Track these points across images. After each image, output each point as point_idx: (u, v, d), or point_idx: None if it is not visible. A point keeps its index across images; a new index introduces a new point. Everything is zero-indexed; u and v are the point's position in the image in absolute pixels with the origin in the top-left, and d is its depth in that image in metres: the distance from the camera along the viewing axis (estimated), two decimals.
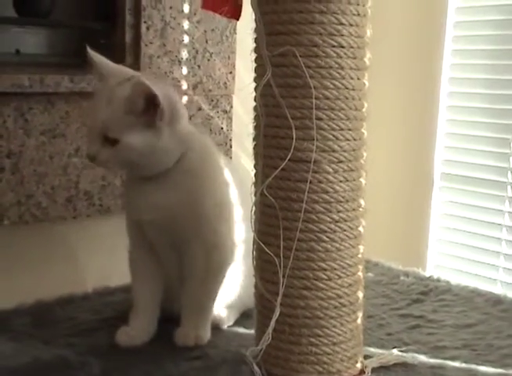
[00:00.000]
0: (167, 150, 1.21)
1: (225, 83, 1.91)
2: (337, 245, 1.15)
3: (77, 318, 1.44)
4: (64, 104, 1.66)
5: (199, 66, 1.86)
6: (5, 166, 1.59)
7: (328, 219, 1.14)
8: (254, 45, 1.18)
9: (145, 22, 1.75)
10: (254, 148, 1.20)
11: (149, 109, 1.17)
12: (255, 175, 1.20)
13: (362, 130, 1.17)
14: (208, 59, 1.87)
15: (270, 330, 1.13)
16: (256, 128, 1.19)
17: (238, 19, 1.15)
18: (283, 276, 1.13)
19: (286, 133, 1.12)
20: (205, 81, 1.87)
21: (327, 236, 1.14)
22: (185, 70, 1.83)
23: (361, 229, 1.19)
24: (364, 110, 1.17)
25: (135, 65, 1.76)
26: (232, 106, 1.91)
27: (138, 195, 1.27)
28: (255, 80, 1.19)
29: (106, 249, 1.76)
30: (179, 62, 1.81)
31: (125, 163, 1.20)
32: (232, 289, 1.40)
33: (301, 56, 1.09)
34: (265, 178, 1.14)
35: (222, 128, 1.89)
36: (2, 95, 1.57)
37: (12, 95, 1.58)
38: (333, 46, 1.10)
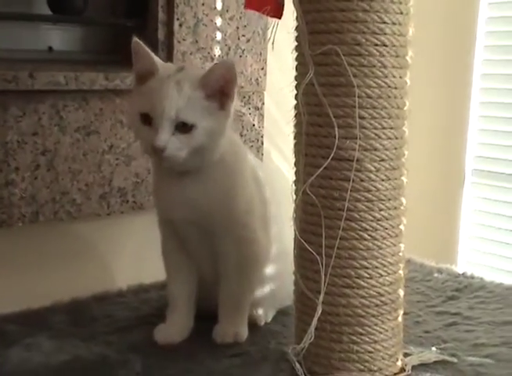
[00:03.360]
0: (226, 137, 1.22)
1: (257, 79, 1.90)
2: (379, 243, 1.15)
3: (114, 315, 1.45)
4: (98, 101, 1.66)
5: None
6: (40, 163, 1.60)
7: (370, 218, 1.14)
8: (295, 43, 1.18)
9: (177, 19, 1.74)
10: (294, 146, 1.21)
11: (225, 89, 1.18)
12: (296, 174, 1.20)
13: (404, 128, 1.17)
14: (240, 56, 1.86)
15: (312, 328, 1.13)
16: (297, 126, 1.19)
17: (280, 18, 1.15)
18: (325, 275, 1.13)
19: (328, 132, 1.12)
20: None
21: (369, 235, 1.14)
22: None
23: (402, 227, 1.19)
24: (406, 108, 1.16)
25: (168, 62, 1.74)
26: (263, 103, 1.91)
27: (169, 191, 1.26)
28: (296, 78, 1.19)
29: (140, 246, 1.77)
30: (212, 58, 1.81)
31: (195, 151, 1.18)
32: (268, 286, 1.40)
33: (343, 55, 1.09)
34: (307, 176, 1.14)
35: (254, 125, 1.89)
36: (38, 92, 1.57)
37: (47, 92, 1.58)
38: (376, 45, 1.10)
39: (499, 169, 2.15)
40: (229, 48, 1.85)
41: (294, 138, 1.20)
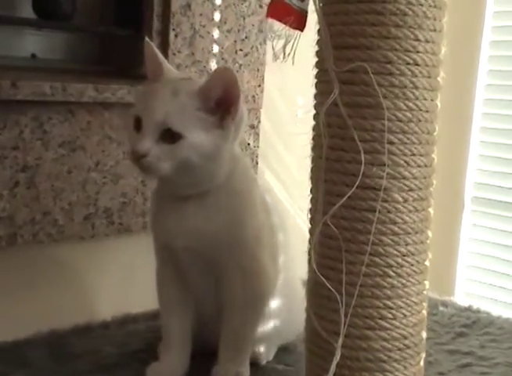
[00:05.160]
0: (225, 160, 1.11)
1: (254, 96, 1.80)
2: (404, 281, 1.05)
3: (99, 351, 1.32)
4: (86, 115, 1.54)
5: None
6: (20, 180, 1.47)
7: (395, 253, 1.03)
8: (316, 58, 1.08)
9: (173, 29, 1.64)
10: (312, 171, 1.10)
11: (224, 104, 1.07)
12: (312, 201, 1.10)
13: (433, 155, 1.07)
14: (237, 71, 1.76)
15: (331, 374, 1.02)
16: (315, 149, 1.08)
17: (302, 30, 1.05)
18: (346, 315, 1.02)
19: (352, 157, 1.01)
20: None
21: (394, 271, 1.04)
22: None
23: (427, 263, 1.09)
24: (435, 133, 1.06)
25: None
26: (259, 121, 1.81)
27: (171, 217, 1.15)
28: (316, 97, 1.09)
29: (126, 272, 1.65)
30: (208, 72, 1.70)
31: (180, 166, 1.06)
32: (271, 321, 1.29)
33: (373, 73, 0.99)
34: (327, 205, 1.04)
35: (249, 144, 1.78)
36: (20, 103, 1.45)
37: (30, 103, 1.46)
38: (408, 64, 1.00)
39: (499, 197, 2.07)
40: (226, 62, 1.74)
41: (312, 162, 1.09)
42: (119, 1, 1.69)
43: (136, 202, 1.64)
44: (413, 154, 1.02)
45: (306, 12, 1.04)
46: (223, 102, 1.07)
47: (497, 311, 1.66)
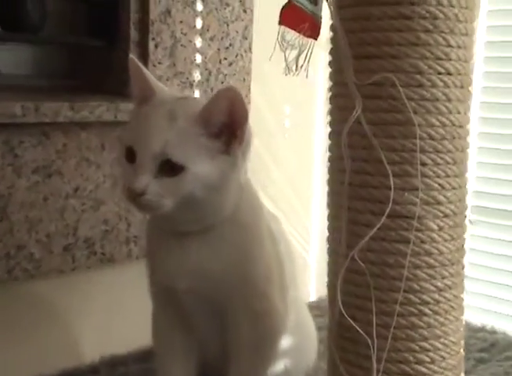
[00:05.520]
0: (233, 190, 0.97)
1: None
2: (441, 319, 0.93)
3: None
4: (62, 136, 1.40)
5: (212, 90, 1.62)
6: None
7: (431, 288, 0.91)
8: (331, 70, 0.95)
9: (153, 39, 1.50)
10: (330, 197, 0.97)
11: (229, 127, 0.93)
12: (332, 231, 0.97)
13: (467, 175, 0.95)
14: (222, 82, 1.64)
15: None
16: (334, 173, 0.96)
17: (316, 39, 0.92)
18: (378, 361, 0.89)
19: (380, 182, 0.89)
20: None
21: (430, 309, 0.92)
22: (197, 94, 1.59)
23: (463, 296, 0.97)
24: (468, 150, 0.95)
25: None
26: None
27: (171, 256, 1.01)
28: (332, 114, 0.96)
29: (112, 306, 1.51)
30: (191, 84, 1.57)
31: (184, 201, 0.92)
32: (282, 363, 1.16)
33: (401, 86, 0.86)
34: (352, 237, 0.91)
35: None
36: None
37: None
38: (440, 73, 0.88)
39: (499, 206, 1.96)
40: (210, 73, 1.61)
41: (330, 187, 0.96)
42: (92, 9, 1.54)
43: (119, 229, 1.50)
44: (448, 176, 0.90)
45: (320, 17, 0.91)
46: (228, 125, 0.93)
47: (499, 324, 1.56)
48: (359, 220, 0.91)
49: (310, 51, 0.92)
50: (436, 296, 0.91)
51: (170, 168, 0.90)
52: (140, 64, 0.98)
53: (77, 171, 1.43)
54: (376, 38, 0.87)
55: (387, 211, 0.87)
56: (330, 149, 0.96)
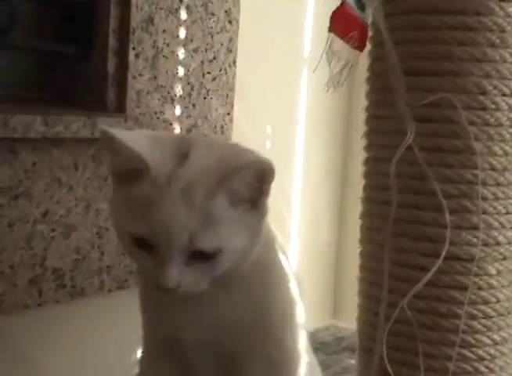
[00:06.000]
0: (262, 239, 0.82)
1: (222, 126, 1.55)
2: None
3: None
4: (31, 154, 1.24)
5: (194, 106, 1.48)
6: None
7: (488, 342, 0.80)
8: (369, 87, 0.83)
9: (133, 48, 1.36)
10: (366, 232, 0.84)
11: (258, 192, 0.78)
12: (368, 272, 0.84)
13: None
14: (205, 97, 1.50)
15: None
16: (373, 206, 0.83)
17: (362, 51, 0.80)
18: None
19: (433, 218, 0.77)
20: (200, 124, 1.50)
21: (485, 366, 0.79)
22: (178, 110, 1.45)
23: None
24: None
25: (119, 103, 1.36)
26: None
27: (178, 306, 0.87)
28: (370, 137, 0.83)
29: (82, 343, 1.34)
30: (172, 99, 1.43)
31: (221, 275, 0.78)
32: None
33: (462, 109, 0.74)
34: (393, 281, 0.78)
35: None
36: None
37: None
38: (505, 95, 0.77)
39: None
40: (192, 88, 1.48)
41: (367, 221, 0.83)
42: (66, 12, 1.39)
43: (91, 258, 1.35)
44: (508, 212, 0.78)
45: (368, 26, 0.79)
46: (256, 189, 0.78)
47: None
48: (406, 262, 0.78)
49: (355, 64, 0.78)
50: (492, 351, 0.80)
51: (201, 255, 0.75)
52: (116, 135, 0.77)
53: (47, 194, 1.27)
54: (433, 52, 0.76)
55: (444, 252, 0.74)
56: (368, 177, 0.83)
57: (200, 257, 0.75)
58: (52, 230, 1.29)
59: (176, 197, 0.74)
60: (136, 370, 1.02)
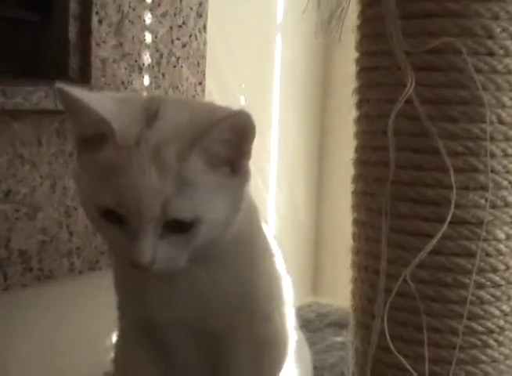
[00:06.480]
0: (242, 210, 0.74)
1: (194, 97, 1.46)
2: (507, 351, 0.75)
3: None
4: None
5: (163, 75, 1.40)
6: None
7: (497, 313, 0.74)
8: (360, 36, 0.75)
9: (96, 12, 1.27)
10: (361, 198, 0.77)
11: (238, 150, 0.70)
12: (363, 241, 0.76)
13: None
14: (174, 66, 1.42)
15: None
16: (368, 167, 0.75)
17: None
18: None
19: (436, 179, 0.70)
20: (170, 95, 1.41)
21: (495, 339, 0.75)
22: (146, 80, 1.36)
23: None
24: None
25: (83, 72, 1.28)
26: None
27: (156, 286, 0.80)
28: (361, 92, 0.75)
29: (52, 329, 1.27)
30: (140, 68, 1.35)
31: (199, 249, 0.71)
32: None
33: (468, 54, 0.67)
34: (393, 249, 0.71)
35: None
36: None
37: None
38: None
39: None
40: (161, 56, 1.39)
41: (362, 186, 0.76)
42: None
43: (60, 239, 1.27)
44: None
45: None
46: (235, 151, 0.70)
47: None
48: (405, 228, 0.71)
49: (345, 10, 0.70)
50: (501, 323, 0.72)
51: (176, 226, 0.68)
52: (75, 93, 0.69)
53: (9, 171, 1.19)
54: None
55: (449, 215, 0.67)
56: (360, 137, 0.75)
57: (177, 228, 0.68)
58: (16, 211, 1.20)
59: (146, 161, 0.67)
60: (111, 355, 0.96)
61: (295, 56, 1.76)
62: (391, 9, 0.68)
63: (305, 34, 1.80)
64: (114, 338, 0.94)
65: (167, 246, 0.68)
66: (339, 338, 1.39)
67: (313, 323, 1.43)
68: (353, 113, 0.77)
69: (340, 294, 1.95)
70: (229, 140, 0.69)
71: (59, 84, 0.69)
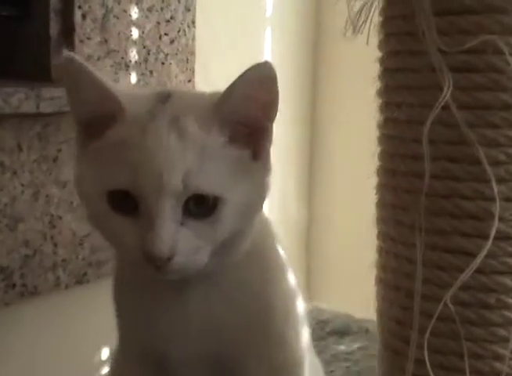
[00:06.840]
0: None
1: None
2: None
3: None
4: None
5: (151, 72, 1.32)
6: None
7: None
8: (383, 34, 0.68)
9: (79, 7, 1.20)
10: (386, 210, 0.70)
11: (259, 122, 0.64)
12: (391, 257, 0.70)
13: None
14: (163, 63, 1.35)
15: None
16: (398, 177, 0.68)
17: None
18: None
19: (475, 190, 0.63)
20: None
21: None
22: (134, 78, 1.29)
23: None
24: None
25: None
26: None
27: (164, 310, 0.72)
28: (386, 95, 0.68)
29: (36, 348, 1.20)
30: (127, 66, 1.28)
31: (223, 245, 0.64)
32: None
33: (509, 54, 0.60)
34: (431, 270, 0.64)
35: None
36: None
37: None
38: None
39: None
40: (149, 52, 1.32)
41: (390, 197, 0.69)
42: None
43: (43, 252, 1.20)
44: None
45: None
46: (257, 122, 0.64)
47: None
48: (441, 245, 0.64)
49: (375, 6, 0.63)
50: None
51: (200, 206, 0.61)
52: (86, 66, 0.63)
53: None
54: None
55: (493, 230, 0.61)
56: (385, 143, 0.68)
57: (198, 212, 0.61)
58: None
59: (164, 130, 0.61)
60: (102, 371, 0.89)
61: (285, 49, 1.70)
62: (424, 5, 0.61)
63: (295, 27, 1.74)
64: (106, 354, 0.87)
65: (189, 233, 0.61)
66: (342, 347, 1.33)
67: (314, 332, 1.37)
68: (377, 117, 0.71)
69: (333, 297, 1.88)
70: (251, 97, 0.62)
71: (69, 53, 0.63)
